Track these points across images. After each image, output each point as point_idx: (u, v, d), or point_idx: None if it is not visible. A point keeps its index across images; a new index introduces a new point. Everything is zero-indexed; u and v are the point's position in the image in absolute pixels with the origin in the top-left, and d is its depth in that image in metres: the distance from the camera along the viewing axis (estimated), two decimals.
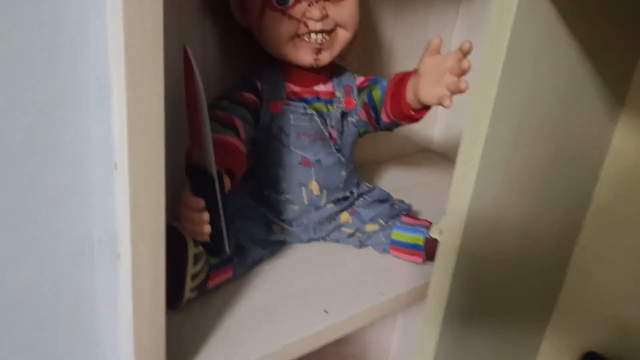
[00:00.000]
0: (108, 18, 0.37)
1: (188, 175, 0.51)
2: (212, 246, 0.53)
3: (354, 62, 0.73)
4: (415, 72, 0.60)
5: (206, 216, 0.50)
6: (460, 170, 0.54)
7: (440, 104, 0.56)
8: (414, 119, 0.62)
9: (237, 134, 0.60)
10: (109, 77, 0.39)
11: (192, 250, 0.55)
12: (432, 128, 1.05)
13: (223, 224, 0.51)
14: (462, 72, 0.55)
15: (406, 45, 0.92)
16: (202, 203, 0.50)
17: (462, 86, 0.54)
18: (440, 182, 0.95)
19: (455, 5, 0.95)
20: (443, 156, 1.03)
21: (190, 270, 0.55)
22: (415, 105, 0.60)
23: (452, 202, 0.55)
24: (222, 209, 0.51)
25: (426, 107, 0.60)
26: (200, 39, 0.69)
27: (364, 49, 0.85)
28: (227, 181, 0.53)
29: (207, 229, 0.51)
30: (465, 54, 0.55)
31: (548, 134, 0.60)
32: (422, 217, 0.82)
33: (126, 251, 0.44)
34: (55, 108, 0.39)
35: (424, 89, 0.57)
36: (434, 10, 0.92)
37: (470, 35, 0.95)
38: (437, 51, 0.57)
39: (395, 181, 0.93)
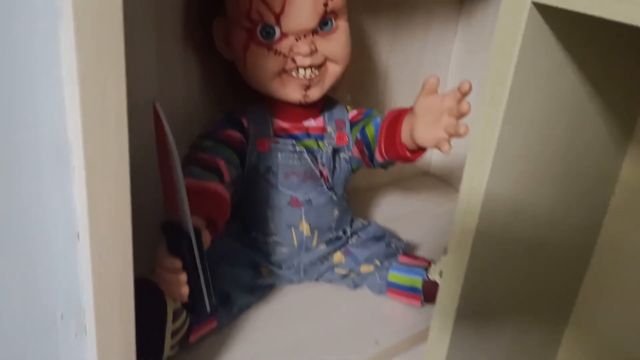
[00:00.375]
0: (64, 81, 0.33)
1: (164, 232, 0.47)
2: (192, 306, 0.49)
3: (347, 94, 0.69)
4: (410, 110, 0.56)
5: (183, 277, 0.47)
6: (465, 197, 0.50)
7: (437, 147, 0.52)
8: (410, 160, 0.58)
9: (221, 178, 0.57)
10: (67, 143, 0.35)
11: (170, 306, 0.51)
12: (430, 150, 1.00)
13: (202, 282, 0.47)
14: (461, 115, 0.51)
15: (402, 71, 0.87)
16: (178, 263, 0.46)
17: (462, 130, 0.50)
18: (440, 207, 0.91)
19: (453, 28, 0.91)
20: (442, 180, 0.99)
21: (170, 327, 0.52)
22: (411, 146, 0.56)
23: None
24: (201, 267, 0.47)
25: (423, 149, 0.56)
26: (182, 72, 0.65)
27: (358, 76, 0.81)
28: (206, 236, 0.49)
29: (185, 290, 0.47)
30: (464, 94, 0.51)
31: (555, 167, 0.56)
32: (421, 249, 0.79)
33: (92, 325, 0.40)
34: (11, 175, 0.35)
35: (421, 130, 0.53)
36: (432, 33, 0.88)
37: (469, 59, 0.91)
38: (434, 91, 0.53)
39: (392, 208, 0.89)
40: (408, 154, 0.57)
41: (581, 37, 0.50)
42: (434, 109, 0.52)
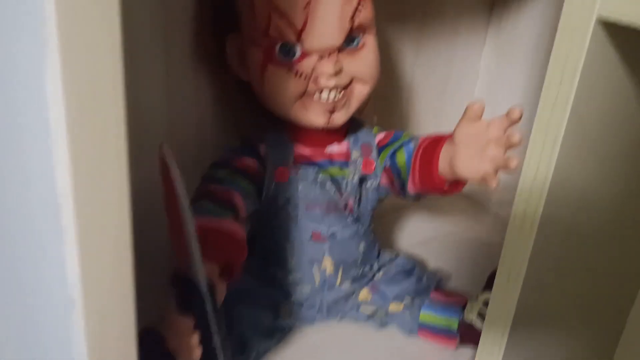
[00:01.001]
0: (51, 125, 0.27)
1: (173, 287, 0.41)
2: None
3: (373, 115, 0.63)
4: (449, 137, 0.50)
5: (195, 339, 0.41)
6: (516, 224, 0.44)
7: (483, 182, 0.46)
8: (448, 193, 0.52)
9: (236, 214, 0.51)
10: (56, 198, 0.29)
11: None
12: None
13: (217, 342, 0.41)
14: (511, 146, 0.45)
15: (428, 83, 0.81)
16: (189, 323, 0.40)
17: (513, 164, 0.44)
18: (470, 230, 0.85)
19: (482, 37, 0.84)
20: (473, 199, 0.92)
21: None
22: (449, 177, 0.50)
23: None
24: (216, 324, 0.41)
25: (463, 181, 0.50)
26: (193, 93, 0.59)
27: (380, 90, 0.75)
28: (221, 289, 0.43)
29: (197, 354, 0.41)
30: (513, 122, 0.44)
31: (615, 190, 0.50)
32: (453, 279, 0.73)
33: None
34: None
35: (463, 162, 0.47)
36: (459, 43, 0.82)
37: (499, 70, 0.85)
38: (479, 117, 0.46)
39: (418, 231, 0.83)
40: (446, 186, 0.51)
41: None
42: (478, 137, 0.46)
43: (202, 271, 0.38)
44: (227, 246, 0.47)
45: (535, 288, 0.48)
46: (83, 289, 0.31)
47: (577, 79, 0.40)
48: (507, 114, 0.45)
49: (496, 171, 0.46)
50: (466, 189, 0.93)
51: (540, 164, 0.44)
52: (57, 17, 0.24)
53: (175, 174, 0.33)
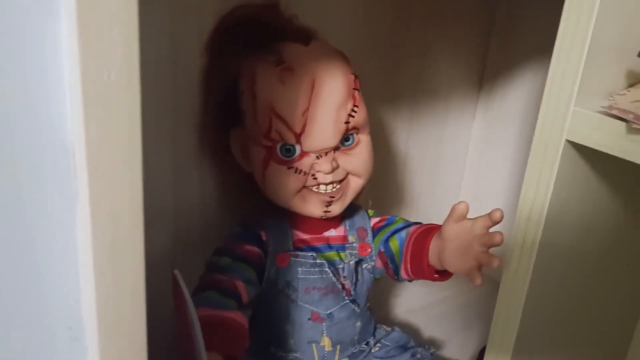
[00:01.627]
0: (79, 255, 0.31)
1: None
2: None
3: (368, 199, 0.67)
4: (437, 229, 0.54)
5: None
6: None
7: (468, 277, 0.50)
8: (438, 281, 0.56)
9: (239, 302, 0.54)
10: (81, 325, 0.33)
11: None
12: None
13: None
14: (492, 245, 0.49)
15: (421, 160, 0.86)
16: None
17: (495, 263, 0.48)
18: (462, 296, 0.88)
19: (471, 115, 0.89)
20: None
21: None
22: (438, 267, 0.54)
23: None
24: None
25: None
26: (198, 181, 0.63)
27: (375, 167, 0.79)
28: None
29: None
30: (495, 223, 0.49)
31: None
32: (446, 347, 0.76)
33: None
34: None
35: (450, 258, 0.51)
36: (450, 121, 0.87)
37: (488, 147, 0.89)
38: (464, 217, 0.51)
39: (412, 298, 0.87)
40: (436, 275, 0.55)
41: (615, 168, 0.49)
42: (463, 235, 0.50)
43: None
44: (230, 336, 0.51)
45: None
46: None
47: (551, 191, 0.44)
48: (490, 215, 0.49)
49: (480, 267, 0.50)
50: None
51: (519, 263, 0.48)
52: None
53: (187, 294, 0.37)
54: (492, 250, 0.49)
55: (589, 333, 0.61)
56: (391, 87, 0.78)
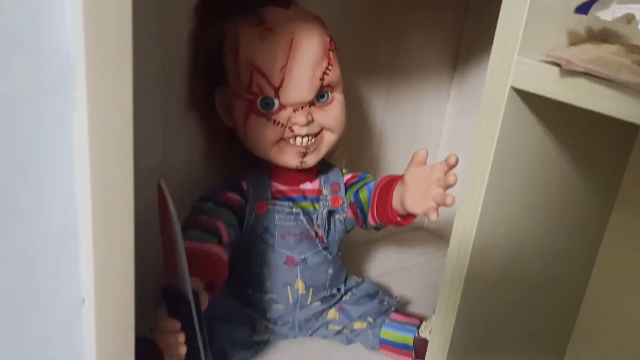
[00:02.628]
0: (75, 167, 0.37)
1: (163, 296, 0.49)
2: None
3: (342, 159, 0.72)
4: (401, 178, 0.59)
5: (182, 337, 0.49)
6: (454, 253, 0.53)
7: (426, 215, 0.55)
8: (401, 224, 0.61)
9: (220, 240, 0.59)
10: (75, 215, 0.38)
11: None
12: None
13: (200, 342, 0.50)
14: (448, 186, 0.54)
15: (397, 134, 0.91)
16: (177, 325, 0.49)
17: (448, 201, 0.53)
18: (434, 262, 0.94)
19: (446, 92, 0.95)
20: (436, 235, 1.02)
21: None
22: (401, 212, 0.59)
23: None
24: (199, 327, 0.49)
25: (413, 214, 0.59)
26: (185, 137, 0.68)
27: (352, 139, 0.84)
28: (204, 298, 0.51)
29: (183, 350, 0.49)
30: (450, 167, 0.54)
31: (543, 228, 0.59)
32: (414, 305, 0.81)
33: None
34: (22, 248, 0.38)
35: (410, 199, 0.56)
36: (425, 97, 0.92)
37: (461, 122, 0.95)
38: (424, 162, 0.56)
39: (387, 263, 0.92)
40: (399, 219, 0.60)
41: (560, 116, 0.54)
42: (423, 179, 0.56)
43: (189, 283, 0.47)
44: (211, 266, 0.56)
45: (470, 313, 0.57)
46: (94, 290, 0.40)
47: (497, 136, 0.49)
48: (446, 160, 0.54)
49: (437, 206, 0.55)
50: (430, 225, 1.02)
51: (470, 209, 0.53)
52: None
53: (170, 203, 0.42)
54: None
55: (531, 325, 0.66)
56: (368, 64, 0.83)
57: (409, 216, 0.60)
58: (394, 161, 0.93)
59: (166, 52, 0.64)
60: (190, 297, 0.48)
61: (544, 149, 0.55)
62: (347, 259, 0.86)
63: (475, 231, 0.53)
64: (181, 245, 0.44)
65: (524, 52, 0.49)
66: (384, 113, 0.89)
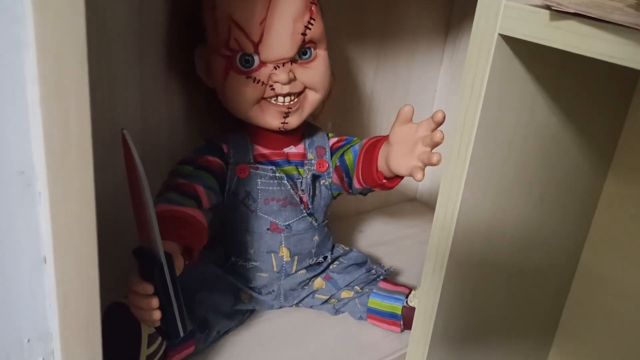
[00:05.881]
0: (29, 111, 0.34)
1: (136, 258, 0.47)
2: (165, 330, 0.49)
3: (328, 122, 0.70)
4: (387, 138, 0.57)
5: (155, 302, 0.47)
6: (439, 221, 0.51)
7: (411, 175, 0.53)
8: (387, 187, 0.59)
9: (199, 204, 0.57)
10: (33, 170, 0.36)
11: (145, 331, 0.51)
12: None
13: (175, 308, 0.48)
14: (435, 144, 0.52)
15: (388, 98, 0.89)
16: (149, 288, 0.46)
17: (434, 159, 0.51)
18: (425, 234, 0.91)
19: (439, 55, 0.92)
20: (429, 206, 0.99)
21: (145, 352, 0.52)
22: (387, 173, 0.57)
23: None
24: (174, 292, 0.47)
25: (399, 176, 0.57)
26: (164, 98, 0.66)
27: (342, 103, 0.82)
28: (179, 262, 0.49)
29: (156, 315, 0.47)
30: (438, 124, 0.52)
31: (533, 191, 0.57)
32: (404, 275, 0.79)
33: (59, 350, 0.40)
34: None
35: (395, 159, 0.54)
36: (417, 60, 0.89)
37: (455, 85, 0.92)
38: (409, 120, 0.54)
39: (378, 234, 0.90)
40: (384, 181, 0.58)
41: (551, 67, 0.51)
42: (408, 138, 0.53)
43: (160, 245, 0.45)
44: (188, 229, 0.53)
45: (457, 279, 0.54)
46: (54, 248, 0.38)
47: (484, 89, 0.47)
48: (432, 116, 0.52)
49: (423, 166, 0.53)
50: (422, 196, 1.00)
51: (456, 165, 0.50)
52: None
53: (135, 154, 0.40)
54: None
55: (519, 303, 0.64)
56: (358, 27, 0.81)
57: (395, 178, 0.57)
58: (384, 128, 0.90)
59: (143, 10, 0.61)
60: (163, 260, 0.45)
61: (534, 104, 0.52)
62: (338, 229, 0.84)
63: (461, 194, 0.51)
64: (150, 203, 0.42)
65: None
66: (374, 79, 0.86)
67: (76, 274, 0.39)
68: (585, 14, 0.39)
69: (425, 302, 0.54)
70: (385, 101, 0.89)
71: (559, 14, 0.41)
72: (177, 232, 0.52)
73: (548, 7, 0.42)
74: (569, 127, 0.58)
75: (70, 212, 0.37)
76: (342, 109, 0.83)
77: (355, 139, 0.66)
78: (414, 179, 0.53)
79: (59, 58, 0.32)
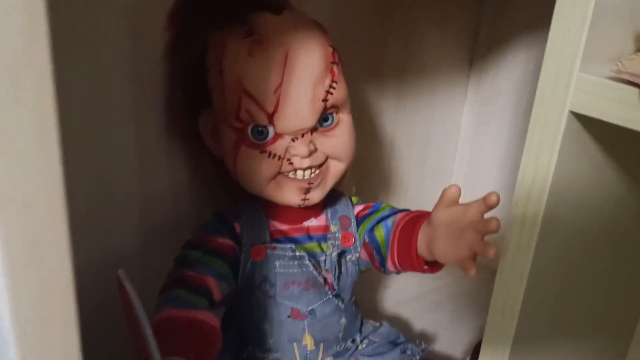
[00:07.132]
0: None
1: None
2: None
3: (351, 185, 0.62)
4: (427, 216, 0.49)
5: None
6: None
7: (460, 267, 0.45)
8: (429, 273, 0.51)
9: (210, 300, 0.49)
10: None
11: None
12: None
13: None
14: (488, 232, 0.44)
15: (409, 143, 0.81)
16: None
17: (490, 252, 0.43)
18: (460, 284, 0.84)
19: (462, 94, 0.84)
20: None
21: None
22: (429, 258, 0.49)
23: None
24: None
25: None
26: (166, 167, 0.58)
27: (360, 149, 0.74)
28: None
29: None
30: (490, 207, 0.44)
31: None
32: (440, 341, 0.72)
33: None
34: None
35: (441, 248, 0.46)
36: (439, 99, 0.82)
37: (480, 128, 0.84)
38: (456, 202, 0.45)
39: (404, 288, 0.82)
40: (426, 267, 0.50)
41: (619, 141, 0.44)
42: (455, 223, 0.45)
43: None
44: (201, 338, 0.46)
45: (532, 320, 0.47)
46: None
47: (551, 175, 0.39)
48: (485, 199, 0.44)
49: (474, 257, 0.45)
50: None
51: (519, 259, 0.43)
52: None
53: (132, 294, 0.32)
54: (487, 238, 0.44)
55: (592, 322, 0.56)
56: (377, 66, 0.73)
57: (437, 263, 0.50)
58: (407, 173, 0.83)
59: (138, 69, 0.53)
60: None
61: (606, 182, 0.44)
62: (358, 284, 0.76)
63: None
64: (152, 343, 0.34)
65: (584, 64, 0.38)
66: (395, 120, 0.78)
67: None
68: None
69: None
70: (407, 143, 0.81)
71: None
72: (188, 344, 0.44)
73: (635, 85, 0.34)
74: (637, 192, 0.50)
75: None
76: (360, 155, 0.75)
77: (383, 205, 0.58)
78: (465, 273, 0.45)
79: None
